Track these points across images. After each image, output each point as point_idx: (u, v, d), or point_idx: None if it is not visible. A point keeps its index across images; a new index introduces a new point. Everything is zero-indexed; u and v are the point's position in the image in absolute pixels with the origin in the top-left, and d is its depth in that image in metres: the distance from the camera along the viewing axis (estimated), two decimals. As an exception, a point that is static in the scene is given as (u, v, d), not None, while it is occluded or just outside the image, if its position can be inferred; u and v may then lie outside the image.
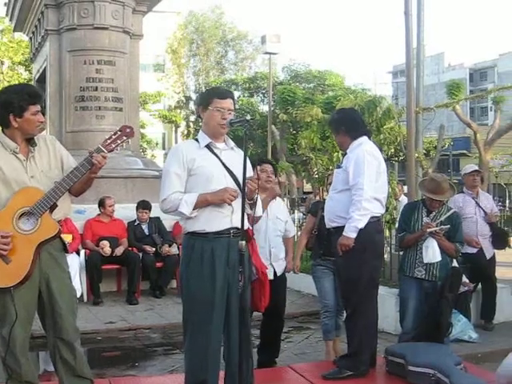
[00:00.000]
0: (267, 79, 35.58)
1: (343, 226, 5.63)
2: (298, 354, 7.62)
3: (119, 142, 4.57)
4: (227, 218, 4.67)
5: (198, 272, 4.66)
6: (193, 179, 4.71)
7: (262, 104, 42.67)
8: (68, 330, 4.60)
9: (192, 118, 46.96)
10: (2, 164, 4.43)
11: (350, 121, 5.90)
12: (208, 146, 4.78)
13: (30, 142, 4.57)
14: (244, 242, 4.37)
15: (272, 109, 30.60)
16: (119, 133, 4.60)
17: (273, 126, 30.15)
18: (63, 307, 4.56)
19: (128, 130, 4.63)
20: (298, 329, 8.99)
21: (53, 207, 4.42)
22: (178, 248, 10.66)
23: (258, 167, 6.18)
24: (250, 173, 4.69)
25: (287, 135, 31.79)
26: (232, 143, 4.91)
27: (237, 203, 4.61)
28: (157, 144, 47.25)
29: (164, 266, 10.68)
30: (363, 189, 5.52)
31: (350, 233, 5.59)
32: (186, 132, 47.02)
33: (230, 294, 4.64)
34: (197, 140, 4.87)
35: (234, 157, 4.79)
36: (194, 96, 47.94)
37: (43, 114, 4.60)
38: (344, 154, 5.94)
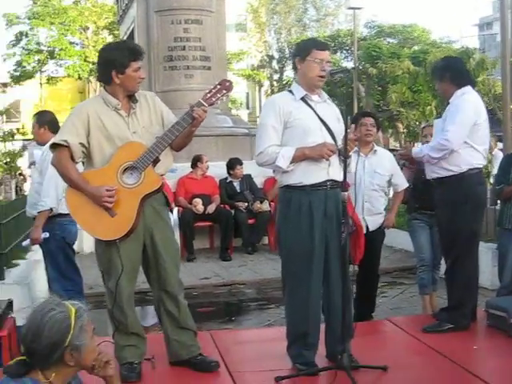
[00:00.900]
0: (349, 36, 35.12)
1: (445, 178, 5.53)
2: (394, 309, 7.61)
3: (219, 95, 4.59)
4: (324, 171, 4.62)
5: (296, 225, 4.64)
6: (289, 132, 4.66)
7: (346, 61, 42.08)
8: (172, 283, 4.70)
9: (275, 76, 46.75)
10: (105, 120, 4.52)
11: (456, 68, 5.75)
12: (303, 99, 4.72)
13: (131, 98, 4.62)
14: (346, 194, 4.35)
15: (356, 65, 30.16)
16: (219, 87, 4.62)
17: (358, 83, 29.77)
18: (167, 260, 4.65)
19: (227, 84, 4.65)
20: (392, 284, 8.95)
21: (155, 161, 4.49)
22: (270, 205, 10.72)
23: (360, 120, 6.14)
24: (342, 126, 4.65)
25: (372, 91, 31.32)
26: (326, 96, 4.84)
27: (334, 156, 4.58)
28: (241, 104, 47.30)
29: (256, 222, 10.77)
30: (449, 140, 5.40)
31: (416, 154, 5.65)
32: (269, 91, 46.82)
33: (328, 245, 4.63)
34: (291, 92, 4.81)
35: (329, 110, 4.74)
36: (276, 55, 47.65)
37: None
38: (447, 104, 5.79)
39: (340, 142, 4.61)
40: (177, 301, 4.75)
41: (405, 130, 15.37)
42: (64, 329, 2.74)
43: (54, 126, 6.24)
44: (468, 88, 5.64)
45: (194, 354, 4.82)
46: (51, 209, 5.97)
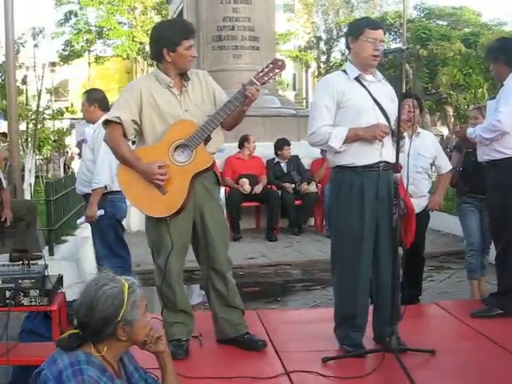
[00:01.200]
0: (397, 18, 34.69)
1: (497, 160, 5.44)
2: (441, 293, 7.55)
3: (271, 74, 4.57)
4: (377, 152, 4.57)
5: (346, 206, 4.61)
6: (342, 112, 4.61)
7: (394, 43, 41.60)
8: (221, 261, 4.72)
9: (323, 58, 46.46)
10: (157, 98, 4.53)
11: (511, 50, 5.65)
12: (357, 78, 4.66)
13: (184, 76, 4.62)
14: (398, 175, 4.31)
15: (405, 46, 29.80)
16: (271, 65, 4.60)
17: (407, 65, 29.43)
18: (216, 239, 4.67)
19: (280, 63, 4.63)
20: (439, 268, 8.88)
21: (207, 140, 4.48)
22: (317, 186, 10.69)
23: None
24: (396, 106, 4.60)
25: (421, 73, 30.95)
26: (380, 75, 4.78)
27: (387, 137, 4.53)
28: (287, 85, 47.11)
29: (302, 203, 10.76)
30: (501, 121, 5.30)
31: (469, 135, 5.55)
32: (316, 73, 46.56)
33: (379, 227, 4.59)
34: (345, 71, 4.76)
35: (382, 89, 4.67)
36: (324, 36, 47.32)
37: None
38: (501, 86, 5.69)
39: (393, 123, 4.56)
40: (225, 279, 4.76)
41: (454, 114, 15.15)
42: (117, 303, 2.77)
43: (103, 104, 6.29)
44: None
45: (241, 333, 4.84)
46: (105, 186, 6.04)
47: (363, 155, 4.57)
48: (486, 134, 5.39)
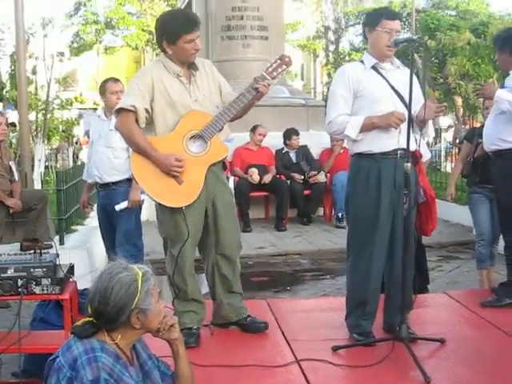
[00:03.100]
0: (404, 7, 34.53)
1: (504, 150, 5.43)
2: (450, 283, 7.56)
3: (280, 70, 4.65)
4: (394, 139, 4.58)
5: (363, 193, 4.64)
6: (359, 101, 4.64)
7: (403, 32, 41.42)
8: (232, 245, 4.81)
9: (331, 47, 46.32)
10: (168, 87, 4.55)
11: None
12: (374, 67, 4.69)
13: (192, 65, 4.64)
14: (409, 164, 4.31)
15: (415, 36, 29.67)
16: (279, 61, 4.67)
17: (415, 55, 29.33)
18: (228, 223, 4.74)
19: (287, 59, 4.70)
20: (448, 258, 8.90)
21: (219, 130, 4.53)
22: (326, 176, 10.70)
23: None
24: (419, 94, 4.62)
25: (430, 64, 30.84)
26: (398, 62, 4.78)
27: (404, 124, 4.52)
28: (296, 75, 47.02)
29: (311, 193, 10.77)
30: None
31: (502, 97, 5.34)
32: (324, 62, 46.46)
33: (395, 216, 4.60)
34: (362, 62, 4.78)
35: (401, 76, 4.64)
36: (332, 25, 47.17)
37: None
38: (506, 76, 5.68)
39: (414, 109, 4.56)
40: (234, 264, 4.86)
41: (463, 104, 15.12)
42: (131, 291, 2.79)
43: None
44: None
45: (243, 316, 4.93)
46: None
47: (380, 142, 4.59)
48: None
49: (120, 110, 4.55)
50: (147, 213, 10.95)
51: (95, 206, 6.90)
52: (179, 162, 4.43)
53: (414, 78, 4.59)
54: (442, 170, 14.25)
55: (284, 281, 7.91)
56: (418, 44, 29.45)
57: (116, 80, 6.50)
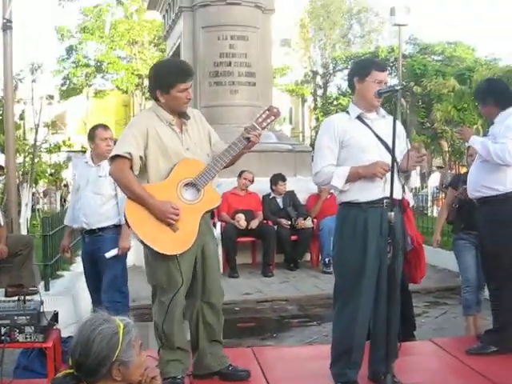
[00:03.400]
0: (391, 52, 34.95)
1: (488, 197, 5.48)
2: (436, 329, 7.53)
3: (269, 120, 4.76)
4: (380, 188, 4.62)
5: (350, 241, 4.66)
6: (345, 151, 4.69)
7: (390, 77, 41.85)
8: (217, 293, 4.81)
9: (319, 92, 46.75)
10: (162, 135, 4.60)
11: (498, 91, 5.71)
12: (359, 117, 4.75)
13: (183, 115, 4.71)
14: (393, 214, 4.33)
15: (402, 82, 30.02)
16: (268, 112, 4.78)
17: (402, 99, 29.64)
18: (214, 271, 4.78)
19: (275, 110, 4.82)
20: (435, 304, 8.88)
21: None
22: (313, 221, 10.72)
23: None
24: (403, 143, 4.67)
25: (417, 108, 31.15)
26: (383, 112, 4.84)
27: (389, 173, 4.54)
28: (284, 119, 47.32)
29: (298, 239, 10.76)
30: (506, 144, 5.31)
31: (475, 142, 5.53)
32: (312, 106, 46.85)
33: (381, 264, 4.61)
34: (347, 112, 4.84)
35: (386, 126, 4.65)
36: (320, 70, 47.67)
37: None
38: (491, 124, 5.76)
39: (400, 159, 4.61)
40: (218, 312, 4.85)
41: (449, 149, 15.28)
42: (112, 344, 2.78)
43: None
44: None
45: (225, 365, 4.91)
46: None
47: (366, 191, 4.64)
48: (497, 155, 5.34)
49: (115, 157, 4.57)
50: (134, 258, 10.91)
51: (79, 251, 6.87)
52: (175, 210, 4.46)
53: (400, 126, 4.65)
54: (429, 214, 14.30)
55: (270, 327, 7.87)
56: (405, 89, 29.89)
57: (106, 127, 6.53)
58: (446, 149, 23.91)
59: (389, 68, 41.99)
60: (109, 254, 6.23)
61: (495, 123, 5.61)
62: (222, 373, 4.89)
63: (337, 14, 49.36)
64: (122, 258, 6.35)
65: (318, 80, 47.32)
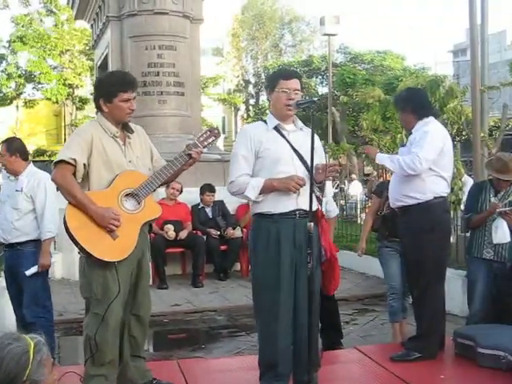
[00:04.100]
0: (325, 61, 35.36)
1: (409, 206, 5.57)
2: (364, 337, 7.60)
3: (210, 140, 4.90)
4: (293, 200, 4.64)
5: (264, 253, 4.67)
6: (260, 162, 4.71)
7: (321, 86, 42.33)
8: (147, 307, 4.85)
9: (251, 101, 46.96)
10: (105, 146, 4.62)
11: (417, 100, 5.81)
12: (276, 128, 4.77)
13: (126, 128, 4.76)
14: (312, 224, 4.36)
15: (331, 90, 30.39)
16: (209, 133, 4.93)
17: (333, 108, 29.96)
18: (145, 284, 4.84)
19: (216, 132, 4.98)
20: (364, 311, 8.97)
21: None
22: (242, 231, 10.72)
23: None
24: (320, 155, 4.73)
25: (348, 117, 31.56)
26: (300, 124, 4.88)
27: (304, 186, 4.58)
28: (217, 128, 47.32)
29: (228, 248, 10.75)
30: (422, 163, 5.41)
31: (381, 158, 5.73)
32: (245, 115, 47.05)
33: (297, 276, 4.62)
34: (265, 122, 4.87)
35: (303, 138, 4.70)
36: (252, 79, 47.92)
37: None
38: (409, 134, 5.86)
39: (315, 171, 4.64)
40: (144, 325, 4.86)
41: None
42: (22, 363, 2.71)
43: (24, 154, 6.28)
44: (431, 118, 5.72)
45: (149, 379, 4.90)
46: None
47: (279, 203, 4.65)
48: (407, 168, 5.46)
49: (59, 162, 4.56)
50: (62, 271, 10.79)
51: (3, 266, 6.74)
52: (117, 216, 4.48)
53: (317, 140, 4.69)
54: (359, 222, 14.46)
55: (199, 338, 7.84)
56: (335, 98, 30.27)
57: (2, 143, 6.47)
58: (375, 156, 24.32)
59: (320, 77, 42.64)
60: (29, 272, 6.14)
61: (413, 133, 5.71)
62: None
63: (269, 24, 49.71)
64: (42, 272, 6.23)
65: (251, 89, 47.56)
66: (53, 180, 4.69)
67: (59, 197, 4.97)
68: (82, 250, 4.54)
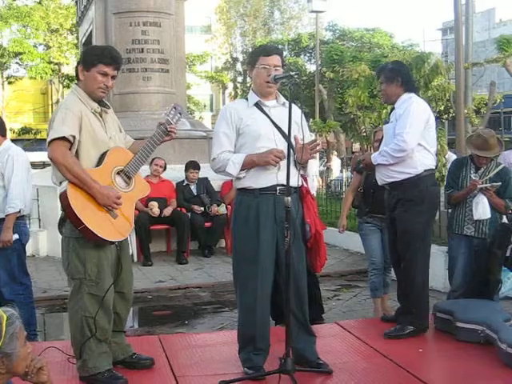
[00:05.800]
0: (313, 39, 35.22)
1: (401, 180, 5.58)
2: (347, 312, 7.66)
3: (177, 117, 4.83)
4: (273, 175, 4.66)
5: (243, 228, 4.71)
6: (241, 138, 4.74)
7: (309, 64, 42.18)
8: (130, 284, 4.87)
9: (239, 79, 46.79)
10: (92, 122, 4.53)
11: (407, 73, 5.85)
12: (257, 104, 4.79)
13: (103, 104, 4.69)
14: (289, 198, 4.37)
15: (319, 68, 30.30)
16: (174, 109, 4.84)
17: (320, 85, 29.89)
18: (128, 262, 4.84)
19: (179, 108, 4.88)
20: (347, 287, 9.04)
21: None
22: (226, 208, 10.74)
23: None
24: (306, 129, 4.74)
25: (335, 94, 31.46)
26: (283, 99, 4.88)
27: (284, 161, 4.59)
28: (204, 106, 47.21)
29: (212, 225, 10.79)
30: (406, 141, 5.44)
31: (374, 160, 5.71)
32: (233, 93, 46.91)
33: (279, 250, 4.65)
34: (247, 99, 4.88)
35: (285, 113, 4.61)
36: (241, 57, 47.71)
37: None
38: (392, 110, 5.86)
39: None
40: (129, 303, 4.88)
41: (364, 134, 15.48)
42: None
43: (2, 129, 6.19)
44: (413, 94, 5.73)
45: (129, 354, 4.91)
46: (19, 210, 6.02)
47: (259, 179, 4.68)
48: (396, 153, 5.49)
49: (56, 139, 4.38)
50: (48, 248, 10.78)
51: None
52: (119, 194, 4.46)
53: (300, 114, 4.69)
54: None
55: (183, 315, 7.86)
56: (323, 75, 30.18)
57: None
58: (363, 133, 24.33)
59: (308, 54, 42.50)
60: None
61: (397, 107, 5.71)
62: (126, 361, 4.87)
63: (258, 1, 49.44)
64: (16, 250, 6.16)
65: (239, 67, 47.36)
66: (51, 158, 4.45)
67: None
68: (84, 230, 4.37)
